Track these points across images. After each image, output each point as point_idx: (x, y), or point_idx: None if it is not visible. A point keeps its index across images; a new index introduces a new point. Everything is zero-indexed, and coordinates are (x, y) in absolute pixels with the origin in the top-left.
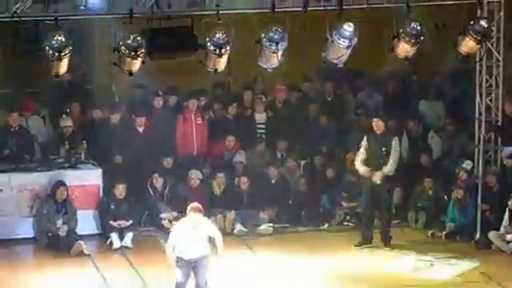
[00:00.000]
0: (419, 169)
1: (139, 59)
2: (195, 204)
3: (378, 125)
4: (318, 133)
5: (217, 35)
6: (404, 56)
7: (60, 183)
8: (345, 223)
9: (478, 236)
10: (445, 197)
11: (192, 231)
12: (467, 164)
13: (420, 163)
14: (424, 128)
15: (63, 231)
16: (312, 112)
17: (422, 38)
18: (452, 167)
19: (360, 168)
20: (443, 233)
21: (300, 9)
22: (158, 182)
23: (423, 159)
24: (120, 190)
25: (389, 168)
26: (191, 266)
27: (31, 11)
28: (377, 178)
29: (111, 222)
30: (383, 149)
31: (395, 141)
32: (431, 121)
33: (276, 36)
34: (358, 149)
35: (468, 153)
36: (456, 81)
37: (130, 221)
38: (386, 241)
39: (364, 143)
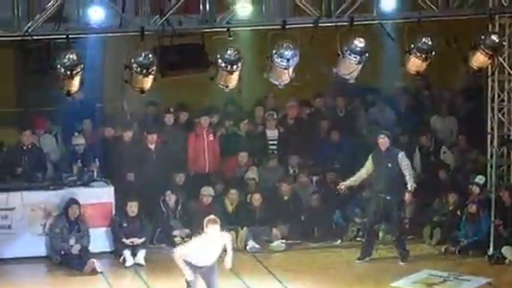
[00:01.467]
0: (432, 184)
1: (151, 77)
2: (212, 216)
3: (383, 142)
4: (330, 149)
5: (228, 52)
6: (415, 71)
7: (73, 202)
8: (358, 239)
9: (491, 251)
10: (458, 212)
11: (207, 247)
12: (479, 179)
13: (433, 178)
14: (436, 143)
15: (75, 249)
16: (324, 128)
17: (433, 53)
18: (465, 182)
19: (347, 182)
20: (457, 248)
21: (311, 25)
22: (171, 199)
23: (441, 174)
24: (132, 208)
25: (411, 184)
26: (198, 271)
27: (43, 30)
28: (408, 198)
29: (123, 239)
30: (389, 165)
31: (402, 156)
32: (444, 136)
33: (286, 53)
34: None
35: (480, 168)
36: (468, 96)
37: (143, 239)
38: (404, 257)
39: (368, 161)
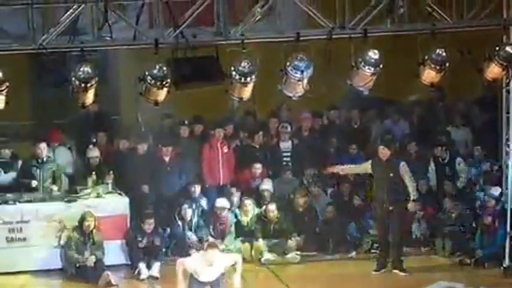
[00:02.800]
0: (443, 196)
1: (165, 89)
2: (212, 240)
3: (383, 152)
4: (344, 160)
5: (242, 64)
6: (429, 83)
7: (88, 214)
8: (373, 251)
9: (506, 262)
10: (473, 224)
11: (206, 268)
12: (494, 190)
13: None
14: (451, 155)
15: (90, 261)
16: (338, 139)
17: (447, 64)
18: (480, 193)
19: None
20: (472, 260)
21: (325, 37)
22: (186, 211)
23: (447, 187)
24: (149, 225)
25: (414, 194)
26: (203, 286)
27: (57, 43)
28: (411, 208)
29: (139, 245)
30: (391, 174)
31: (403, 166)
32: (458, 147)
33: (300, 65)
34: None
35: (495, 179)
36: (483, 106)
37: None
38: (398, 267)
39: (367, 163)
